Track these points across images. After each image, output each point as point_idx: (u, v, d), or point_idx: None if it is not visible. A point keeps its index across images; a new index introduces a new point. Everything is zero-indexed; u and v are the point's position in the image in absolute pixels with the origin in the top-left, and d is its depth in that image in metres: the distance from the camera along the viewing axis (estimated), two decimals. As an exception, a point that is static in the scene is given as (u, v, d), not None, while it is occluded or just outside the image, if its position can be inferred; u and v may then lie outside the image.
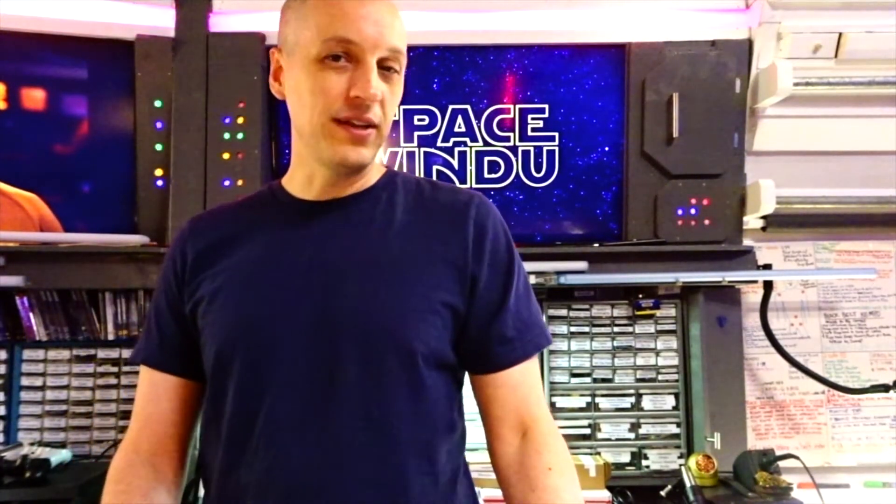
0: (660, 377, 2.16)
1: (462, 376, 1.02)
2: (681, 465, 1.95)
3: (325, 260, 0.94)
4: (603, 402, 2.15)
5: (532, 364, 1.00)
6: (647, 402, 2.15)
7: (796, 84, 1.99)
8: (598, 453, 2.06)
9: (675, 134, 2.06)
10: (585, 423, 2.14)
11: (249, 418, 0.91)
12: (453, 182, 2.14)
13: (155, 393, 1.01)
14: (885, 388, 2.03)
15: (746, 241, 2.14)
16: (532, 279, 2.02)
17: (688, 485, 1.81)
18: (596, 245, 2.11)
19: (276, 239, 0.98)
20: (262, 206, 1.04)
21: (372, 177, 1.02)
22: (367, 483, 0.89)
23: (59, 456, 1.89)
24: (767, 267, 2.12)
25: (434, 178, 2.13)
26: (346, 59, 0.90)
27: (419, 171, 2.14)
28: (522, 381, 0.98)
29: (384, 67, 0.92)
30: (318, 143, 0.93)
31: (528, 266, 1.98)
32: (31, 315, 2.07)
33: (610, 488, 1.85)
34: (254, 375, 0.91)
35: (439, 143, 2.14)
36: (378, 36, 0.89)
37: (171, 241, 1.07)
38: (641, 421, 2.14)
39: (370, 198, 1.00)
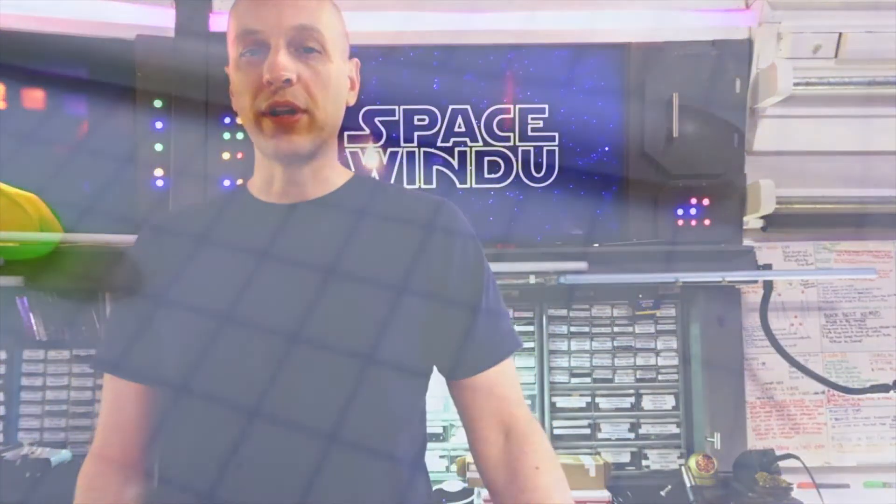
0: (660, 377, 2.16)
1: (427, 382, 1.01)
2: (681, 465, 1.95)
3: (292, 271, 0.92)
4: (603, 402, 2.15)
5: (508, 364, 0.99)
6: (647, 402, 2.15)
7: (796, 84, 1.98)
8: (598, 453, 2.06)
9: (675, 134, 2.06)
10: (585, 423, 2.14)
11: (212, 429, 0.90)
12: (453, 182, 2.14)
13: (119, 401, 1.00)
14: (885, 388, 2.03)
15: (746, 241, 2.14)
16: (532, 279, 2.02)
17: (688, 485, 1.81)
18: (596, 245, 2.11)
19: (241, 247, 0.96)
20: (228, 210, 1.02)
21: (335, 179, 1.01)
22: (326, 490, 0.88)
23: (59, 456, 1.89)
24: (767, 267, 2.12)
25: (434, 178, 2.13)
26: (258, 50, 0.89)
27: (419, 172, 2.14)
28: (499, 381, 0.98)
29: (303, 49, 0.90)
30: (256, 140, 0.93)
31: (529, 266, 2.02)
32: (31, 315, 2.07)
33: (610, 488, 1.85)
34: (218, 387, 0.90)
35: (439, 143, 2.14)
36: (277, 17, 0.88)
37: (134, 243, 1.04)
38: (641, 421, 2.14)
39: (334, 205, 0.98)
